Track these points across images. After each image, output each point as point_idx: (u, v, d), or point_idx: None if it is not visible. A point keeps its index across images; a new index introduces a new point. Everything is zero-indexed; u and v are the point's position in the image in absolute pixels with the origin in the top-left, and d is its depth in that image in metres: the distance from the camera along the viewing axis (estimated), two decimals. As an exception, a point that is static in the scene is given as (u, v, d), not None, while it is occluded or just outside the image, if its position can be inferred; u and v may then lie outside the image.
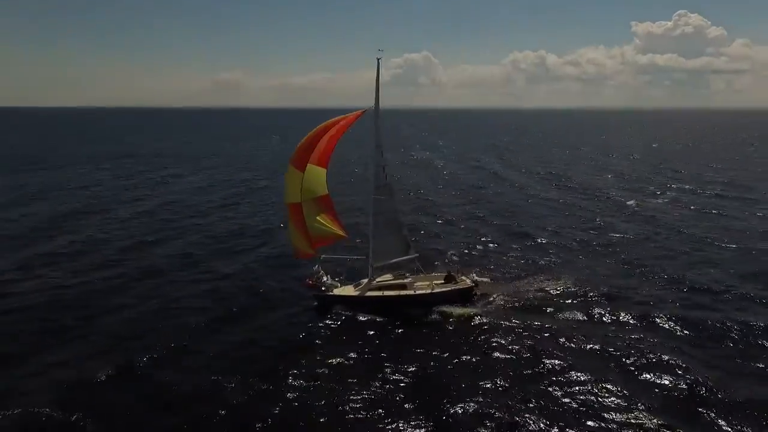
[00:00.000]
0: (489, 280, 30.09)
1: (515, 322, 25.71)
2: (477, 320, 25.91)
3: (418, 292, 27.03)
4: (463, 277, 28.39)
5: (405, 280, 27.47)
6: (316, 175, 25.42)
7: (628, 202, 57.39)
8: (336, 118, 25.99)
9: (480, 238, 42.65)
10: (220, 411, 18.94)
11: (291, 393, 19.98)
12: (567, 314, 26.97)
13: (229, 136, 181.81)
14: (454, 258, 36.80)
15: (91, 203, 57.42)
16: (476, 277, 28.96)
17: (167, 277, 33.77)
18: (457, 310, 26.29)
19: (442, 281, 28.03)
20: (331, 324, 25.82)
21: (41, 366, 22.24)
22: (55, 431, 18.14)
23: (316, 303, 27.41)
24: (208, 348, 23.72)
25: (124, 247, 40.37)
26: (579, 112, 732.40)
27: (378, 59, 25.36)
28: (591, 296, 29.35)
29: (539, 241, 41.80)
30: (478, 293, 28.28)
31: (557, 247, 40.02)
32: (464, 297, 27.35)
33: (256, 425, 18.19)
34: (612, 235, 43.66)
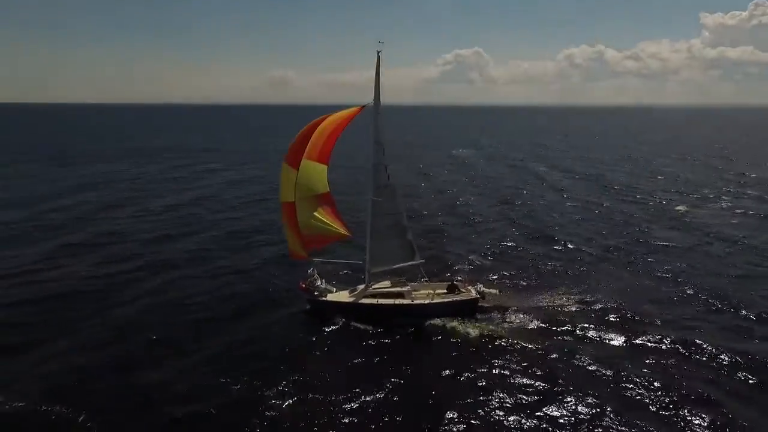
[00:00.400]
0: (498, 291, 27.47)
1: (526, 341, 23.30)
2: (480, 336, 23.65)
3: (415, 301, 25.18)
4: (469, 288, 26.20)
5: (403, 288, 25.63)
6: (316, 172, 24.16)
7: (677, 207, 52.60)
8: (330, 114, 24.68)
9: (505, 243, 40.12)
10: (207, 411, 18.63)
11: (278, 401, 19.24)
12: (590, 334, 24.20)
13: (273, 132, 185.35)
14: (477, 262, 34.74)
15: (130, 196, 59.26)
16: (483, 288, 26.55)
17: (183, 271, 33.81)
18: (457, 324, 24.20)
19: (444, 291, 26.01)
20: (324, 330, 24.73)
21: (43, 357, 22.48)
22: (49, 423, 18.15)
23: (308, 307, 26.27)
24: (205, 346, 23.43)
25: (149, 240, 41.07)
26: (639, 110, 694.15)
27: (378, 52, 23.88)
28: (621, 314, 26.34)
29: (570, 247, 38.76)
30: (488, 305, 25.95)
31: (589, 255, 36.88)
32: (467, 310, 25.19)
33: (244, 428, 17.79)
34: (654, 243, 39.84)
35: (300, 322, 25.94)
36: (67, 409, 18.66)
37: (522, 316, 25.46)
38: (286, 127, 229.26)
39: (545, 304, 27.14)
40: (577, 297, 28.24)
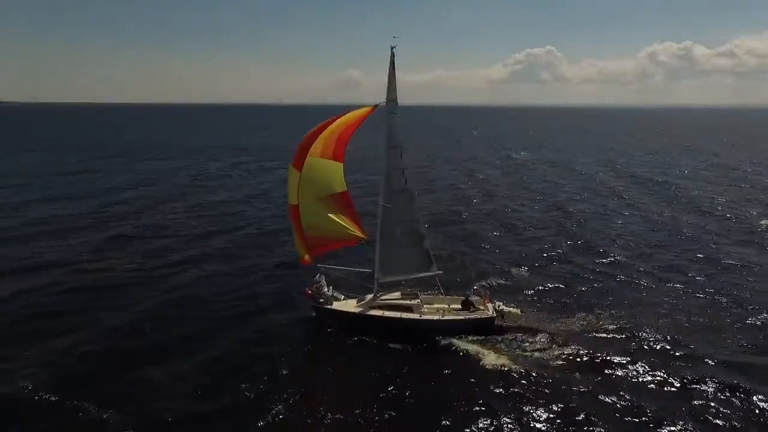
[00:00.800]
0: (519, 311, 24.54)
1: (548, 371, 20.49)
2: (494, 361, 21.13)
3: (423, 317, 23.18)
4: (487, 304, 23.79)
5: (412, 301, 23.70)
6: (330, 170, 22.90)
7: (762, 221, 45.95)
8: (339, 115, 23.52)
9: (548, 254, 36.84)
10: (205, 411, 18.46)
11: (272, 408, 18.62)
12: (628, 369, 20.77)
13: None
14: (512, 273, 32.15)
15: (185, 192, 61.41)
16: (502, 306, 23.93)
17: (216, 267, 33.99)
18: (470, 345, 21.87)
19: (459, 306, 23.83)
20: (329, 340, 23.72)
21: (65, 345, 23.20)
22: (56, 411, 18.55)
23: (314, 314, 25.25)
24: (218, 345, 23.35)
25: (193, 235, 41.95)
26: (732, 111, 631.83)
27: (392, 47, 22.09)
28: (672, 346, 22.65)
29: (622, 261, 34.83)
30: (508, 325, 23.44)
31: (643, 273, 32.74)
32: (481, 329, 22.80)
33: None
34: (725, 262, 34.78)
35: (309, 328, 25.15)
36: (73, 399, 19.02)
37: (548, 340, 22.55)
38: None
39: (578, 328, 24.00)
40: (619, 322, 24.80)
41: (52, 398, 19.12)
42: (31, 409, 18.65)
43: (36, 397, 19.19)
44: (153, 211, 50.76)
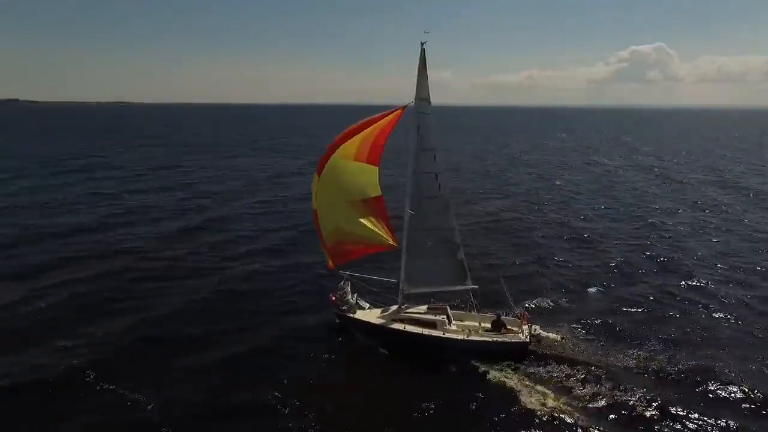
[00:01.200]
0: (559, 337, 21.38)
1: (591, 415, 17.42)
2: (526, 396, 18.32)
3: (446, 334, 20.95)
4: (524, 327, 20.92)
5: (437, 317, 21.53)
6: (365, 174, 21.61)
7: None
8: (367, 119, 22.09)
9: (618, 272, 32.41)
10: (214, 408, 18.43)
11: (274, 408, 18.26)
12: (695, 424, 17.12)
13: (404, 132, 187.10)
14: (572, 290, 28.76)
15: (261, 187, 63.54)
16: (539, 330, 20.92)
17: (270, 263, 34.31)
18: (503, 374, 19.25)
19: (489, 326, 21.27)
20: (350, 348, 22.73)
21: (109, 328, 24.53)
22: (84, 391, 19.30)
23: (337, 320, 24.14)
24: (249, 338, 23.43)
25: (259, 230, 42.85)
26: None
27: (422, 43, 20.15)
28: (760, 402, 18.42)
29: (711, 287, 29.61)
30: (544, 352, 20.48)
31: (737, 303, 27.41)
32: (511, 354, 20.11)
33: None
34: None
35: (340, 334, 24.15)
36: (108, 382, 19.81)
37: (595, 375, 19.20)
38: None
39: (639, 364, 20.32)
40: (696, 362, 20.66)
41: (93, 379, 19.98)
42: (73, 386, 19.56)
43: (80, 377, 20.15)
44: (226, 205, 52.96)
